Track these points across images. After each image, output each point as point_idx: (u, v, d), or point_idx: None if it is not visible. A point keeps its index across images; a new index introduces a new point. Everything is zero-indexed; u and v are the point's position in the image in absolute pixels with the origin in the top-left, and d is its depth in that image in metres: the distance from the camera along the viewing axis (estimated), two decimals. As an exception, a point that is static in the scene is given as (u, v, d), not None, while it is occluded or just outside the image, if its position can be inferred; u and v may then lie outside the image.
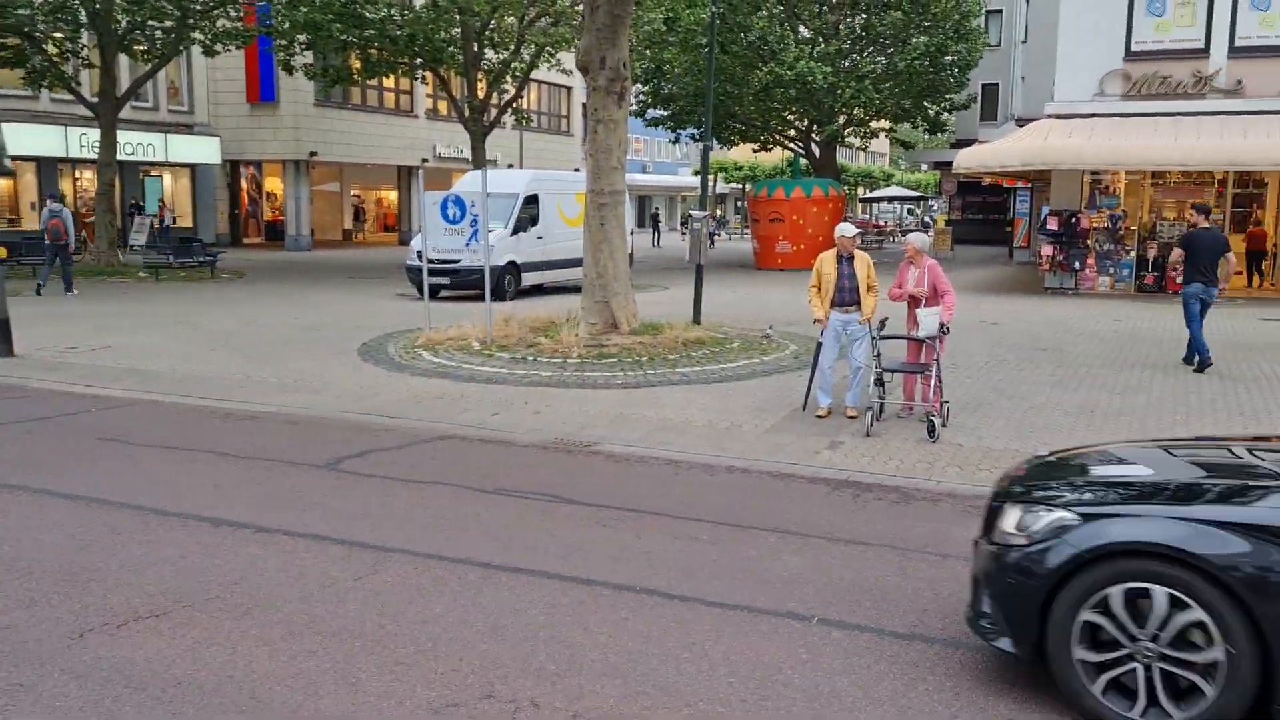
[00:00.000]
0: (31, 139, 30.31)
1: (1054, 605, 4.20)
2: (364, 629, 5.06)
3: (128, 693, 4.36)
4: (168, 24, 27.11)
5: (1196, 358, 12.74)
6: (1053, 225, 22.93)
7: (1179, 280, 13.43)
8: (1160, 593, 3.97)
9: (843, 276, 9.76)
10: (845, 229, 9.89)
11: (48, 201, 23.13)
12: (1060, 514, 4.33)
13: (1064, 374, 12.49)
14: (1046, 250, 23.26)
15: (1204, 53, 21.75)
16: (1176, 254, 13.01)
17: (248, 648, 4.82)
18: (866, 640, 5.04)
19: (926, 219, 61.10)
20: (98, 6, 25.56)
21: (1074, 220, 22.73)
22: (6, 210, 32.16)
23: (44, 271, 21.74)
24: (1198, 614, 3.89)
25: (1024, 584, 4.31)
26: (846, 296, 9.77)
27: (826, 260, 9.90)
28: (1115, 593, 4.07)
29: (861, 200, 61.54)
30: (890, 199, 59.08)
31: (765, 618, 5.30)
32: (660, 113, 36.12)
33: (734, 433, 9.54)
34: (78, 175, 34.24)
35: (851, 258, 9.84)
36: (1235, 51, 21.51)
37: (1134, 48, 22.25)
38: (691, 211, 17.20)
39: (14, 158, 25.40)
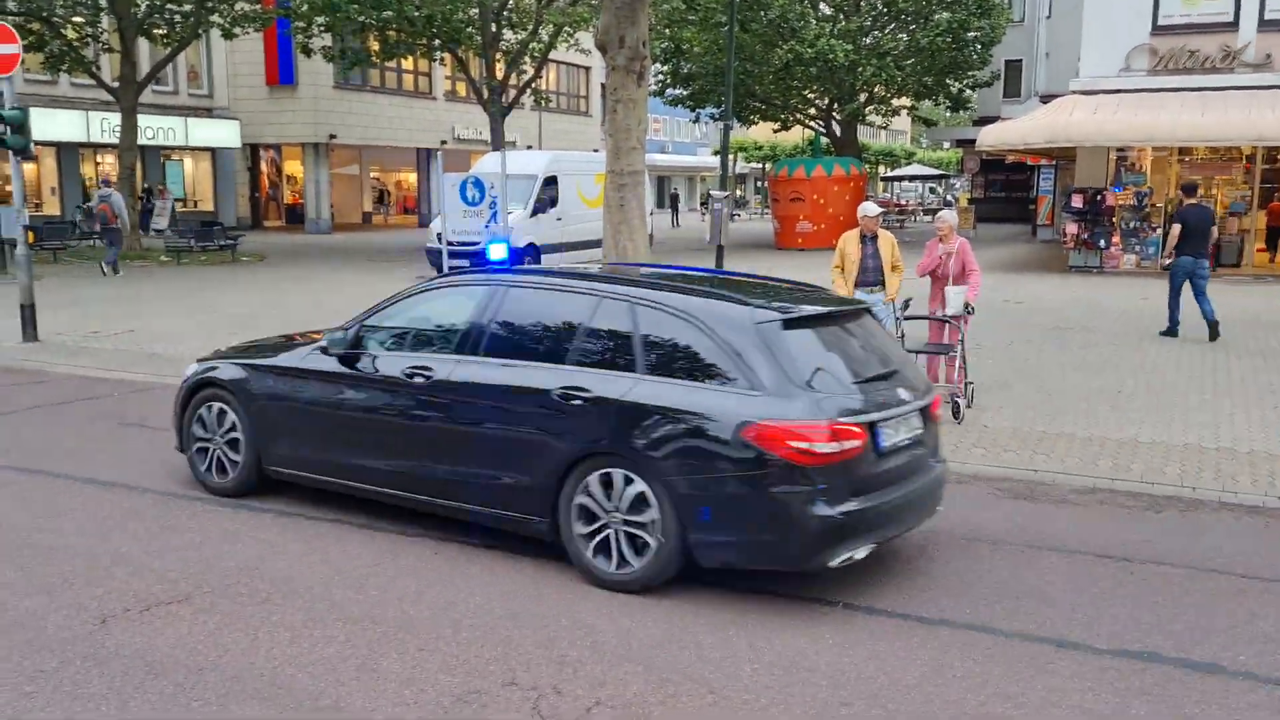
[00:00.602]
0: (52, 124, 30.38)
1: (186, 416, 7.11)
2: (385, 614, 5.03)
3: (149, 680, 4.34)
4: (187, 7, 27.09)
5: (1178, 324, 13.56)
6: (1077, 203, 22.66)
7: (1165, 259, 14.59)
8: (215, 405, 6.96)
9: (866, 256, 9.64)
10: (868, 208, 9.77)
11: (99, 186, 23.59)
12: (196, 365, 7.26)
13: (1088, 354, 12.34)
14: (1071, 228, 22.99)
15: (1233, 26, 21.38)
16: (1175, 231, 13.58)
17: (269, 634, 4.80)
18: (893, 625, 4.97)
19: (949, 197, 60.62)
20: (116, -10, 25.57)
21: (1099, 198, 22.44)
22: (33, 195, 32.27)
23: (110, 253, 22.07)
24: (227, 410, 6.90)
25: (178, 402, 7.19)
26: (870, 276, 9.65)
27: (849, 240, 9.79)
28: (208, 407, 6.98)
29: (883, 179, 61.11)
30: (912, 178, 58.63)
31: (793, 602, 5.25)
32: (680, 92, 35.89)
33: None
34: (99, 160, 34.36)
35: (875, 237, 9.71)
36: (1265, 25, 21.14)
37: (1161, 22, 21.89)
38: (712, 191, 17.07)
39: (35, 143, 25.55)
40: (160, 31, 27.84)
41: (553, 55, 33.66)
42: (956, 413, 9.03)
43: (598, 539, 5.36)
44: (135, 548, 5.94)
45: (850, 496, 5.04)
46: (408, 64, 40.15)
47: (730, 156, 63.57)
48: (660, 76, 35.25)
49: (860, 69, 31.33)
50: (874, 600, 5.30)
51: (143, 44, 29.16)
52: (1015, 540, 6.25)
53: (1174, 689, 4.37)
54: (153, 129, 33.42)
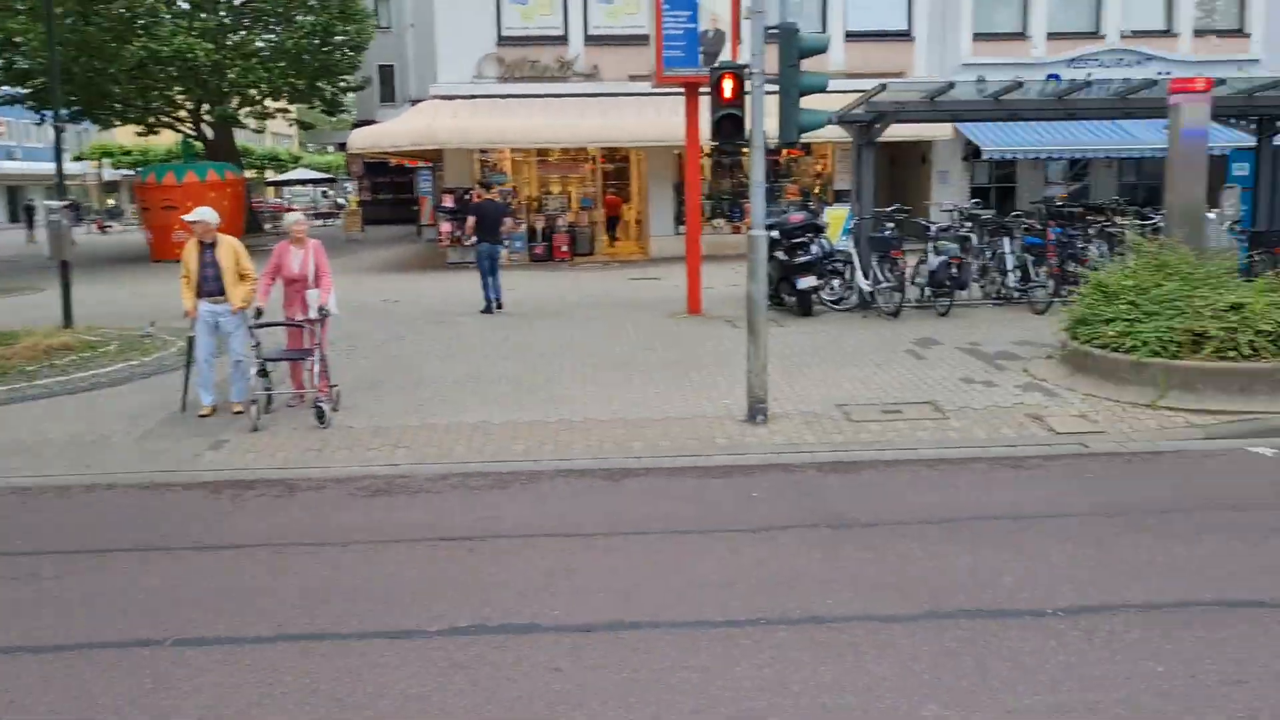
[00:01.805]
0: None
1: None
2: None
3: None
4: None
5: (492, 301, 15.60)
6: (449, 203, 23.76)
7: (466, 242, 17.69)
8: None
9: (205, 265, 9.15)
10: (202, 214, 9.25)
11: None
12: None
13: (457, 345, 12.95)
14: (446, 227, 24.06)
15: (564, 40, 23.76)
16: (470, 221, 15.98)
17: None
18: (222, 654, 4.71)
19: (340, 200, 60.60)
20: None
21: (468, 197, 23.71)
22: None
23: None
24: None
25: None
26: (212, 286, 9.17)
27: (189, 249, 9.22)
28: None
29: (270, 183, 59.37)
30: (301, 181, 57.59)
31: (111, 651, 4.76)
32: (19, 90, 31.58)
33: (101, 445, 8.57)
34: None
35: (214, 244, 9.23)
36: (590, 40, 23.76)
37: (505, 33, 23.67)
38: (47, 202, 15.21)
39: None
40: None
41: None
42: (321, 417, 8.93)
43: None
44: None
45: None
46: None
47: (94, 163, 57.56)
48: (-10, 72, 30.76)
49: (226, 70, 29.96)
50: (207, 631, 4.97)
51: None
52: (364, 539, 6.28)
53: (492, 656, 4.63)
54: None
